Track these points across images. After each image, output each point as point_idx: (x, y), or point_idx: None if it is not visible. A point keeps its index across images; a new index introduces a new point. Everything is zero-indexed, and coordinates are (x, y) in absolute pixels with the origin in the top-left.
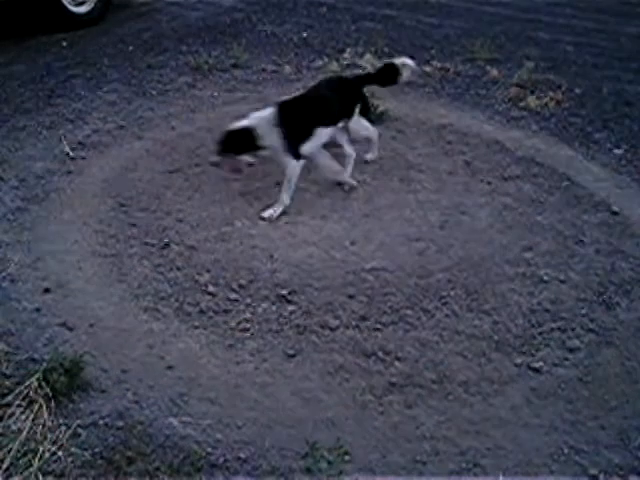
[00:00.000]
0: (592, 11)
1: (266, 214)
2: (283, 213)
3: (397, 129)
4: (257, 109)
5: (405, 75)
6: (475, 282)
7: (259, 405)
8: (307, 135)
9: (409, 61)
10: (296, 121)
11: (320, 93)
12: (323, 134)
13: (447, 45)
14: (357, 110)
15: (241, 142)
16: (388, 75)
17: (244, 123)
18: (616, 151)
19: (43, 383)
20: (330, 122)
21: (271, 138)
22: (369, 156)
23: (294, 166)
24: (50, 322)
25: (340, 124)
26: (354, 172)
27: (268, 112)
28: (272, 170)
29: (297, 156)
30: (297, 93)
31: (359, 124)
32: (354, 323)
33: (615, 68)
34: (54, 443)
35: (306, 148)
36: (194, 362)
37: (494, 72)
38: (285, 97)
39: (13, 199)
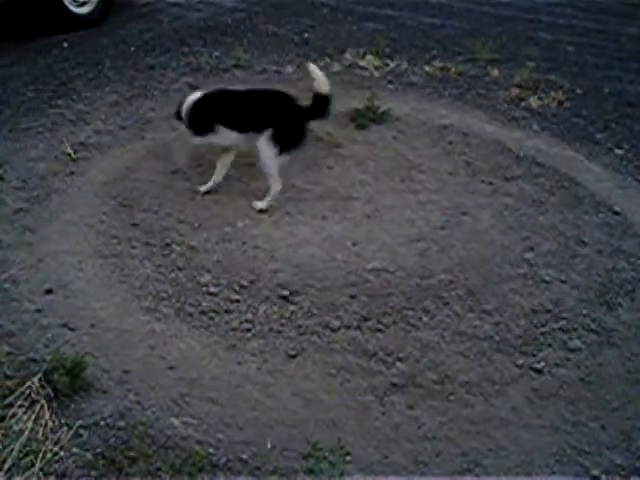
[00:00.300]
0: (593, 11)
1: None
2: (286, 214)
3: (398, 129)
4: None
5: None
6: (476, 282)
7: (260, 405)
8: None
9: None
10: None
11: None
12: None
13: (448, 45)
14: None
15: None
16: (322, 105)
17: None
18: (617, 151)
19: (45, 384)
20: (228, 125)
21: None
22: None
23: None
24: (52, 323)
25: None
26: (355, 172)
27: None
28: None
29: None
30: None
31: (262, 146)
32: (355, 323)
33: (616, 68)
34: (56, 443)
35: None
36: (195, 362)
37: (495, 72)
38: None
39: (15, 200)
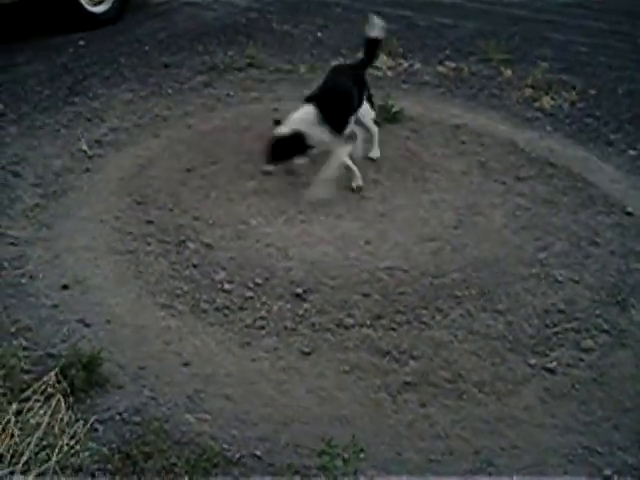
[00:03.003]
0: (606, 12)
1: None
2: (299, 212)
3: (412, 129)
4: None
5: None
6: (489, 282)
7: (274, 402)
8: (345, 125)
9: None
10: (336, 115)
11: (345, 85)
12: (352, 122)
13: (461, 45)
14: (365, 95)
15: (292, 147)
16: (372, 48)
17: (291, 127)
18: (631, 152)
19: (61, 378)
20: (356, 110)
21: (320, 136)
22: (372, 154)
23: (342, 150)
24: (68, 318)
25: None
26: (369, 171)
27: (307, 112)
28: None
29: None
30: (316, 87)
31: (366, 109)
32: (369, 322)
33: (629, 69)
34: (72, 438)
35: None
36: (210, 359)
37: (508, 73)
38: (310, 92)
39: (32, 196)
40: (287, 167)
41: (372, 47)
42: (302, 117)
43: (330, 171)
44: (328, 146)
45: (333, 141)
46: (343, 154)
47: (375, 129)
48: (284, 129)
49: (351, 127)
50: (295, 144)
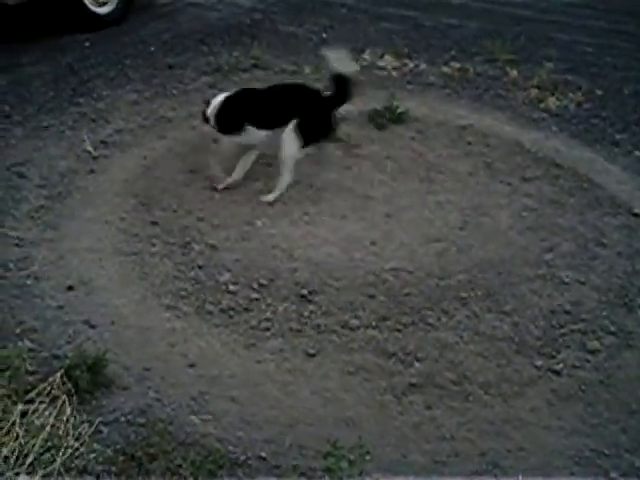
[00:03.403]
0: (611, 12)
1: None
2: (304, 213)
3: (417, 130)
4: None
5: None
6: (495, 283)
7: (280, 404)
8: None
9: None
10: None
11: (270, 92)
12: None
13: (466, 46)
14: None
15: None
16: (341, 86)
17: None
18: (637, 153)
19: (66, 380)
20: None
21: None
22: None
23: (226, 141)
24: (73, 319)
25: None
26: (374, 173)
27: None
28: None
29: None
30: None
31: (288, 138)
32: (374, 323)
33: (635, 69)
34: (77, 439)
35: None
36: (215, 360)
37: (514, 73)
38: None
39: (37, 197)
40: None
41: (341, 85)
42: (215, 100)
43: (287, 174)
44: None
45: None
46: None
47: (286, 167)
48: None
49: (249, 136)
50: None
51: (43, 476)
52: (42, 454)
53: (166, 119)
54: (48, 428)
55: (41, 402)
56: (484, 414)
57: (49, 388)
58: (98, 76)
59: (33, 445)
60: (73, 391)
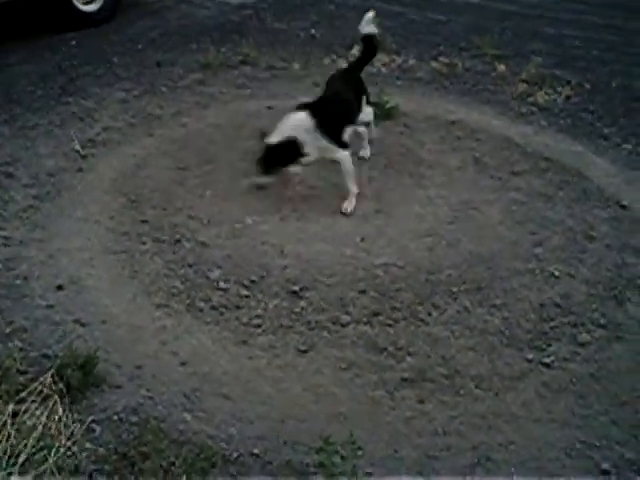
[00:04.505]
0: (599, 6)
1: (346, 209)
2: (295, 210)
3: (406, 125)
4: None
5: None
6: (485, 277)
7: (272, 400)
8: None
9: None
10: (331, 121)
11: (343, 95)
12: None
13: (455, 41)
14: (364, 99)
15: (287, 154)
16: (368, 45)
17: (284, 135)
18: (625, 146)
19: (57, 379)
20: (354, 116)
21: (315, 142)
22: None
23: (346, 155)
24: (63, 319)
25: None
26: (363, 168)
27: (301, 119)
28: None
29: (345, 145)
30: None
31: (365, 112)
32: (365, 319)
33: (623, 63)
34: (69, 438)
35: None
36: (207, 358)
37: (502, 68)
38: (306, 100)
39: (25, 197)
40: (282, 178)
41: (368, 44)
42: (296, 124)
43: (352, 184)
44: (324, 153)
45: (329, 148)
46: (348, 162)
47: (372, 129)
48: (277, 137)
49: (349, 133)
50: (290, 151)
51: (35, 476)
52: (34, 454)
53: (155, 117)
54: (40, 428)
55: (32, 402)
56: (475, 408)
57: (40, 388)
58: (86, 74)
59: (25, 445)
60: (64, 390)
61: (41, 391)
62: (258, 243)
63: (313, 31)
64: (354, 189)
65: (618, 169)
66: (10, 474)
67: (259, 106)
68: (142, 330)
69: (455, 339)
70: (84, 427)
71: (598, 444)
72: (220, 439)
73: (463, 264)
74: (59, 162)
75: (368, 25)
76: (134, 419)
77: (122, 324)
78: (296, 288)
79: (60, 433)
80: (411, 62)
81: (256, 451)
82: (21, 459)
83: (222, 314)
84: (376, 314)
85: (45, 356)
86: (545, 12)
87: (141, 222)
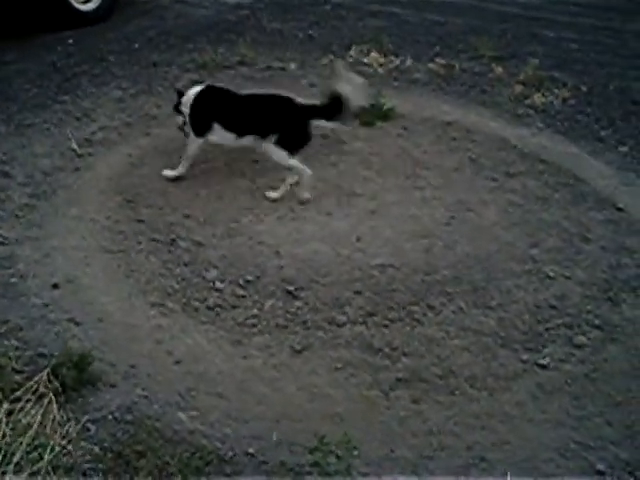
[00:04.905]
0: (597, 8)
1: None
2: (291, 210)
3: (403, 126)
4: None
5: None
6: (481, 278)
7: (267, 400)
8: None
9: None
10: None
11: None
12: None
13: (452, 42)
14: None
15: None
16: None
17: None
18: (621, 148)
19: (52, 378)
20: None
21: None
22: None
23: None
24: (59, 317)
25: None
26: (360, 169)
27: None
28: (278, 167)
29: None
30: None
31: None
32: (361, 319)
33: (620, 66)
34: (64, 437)
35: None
36: (202, 357)
37: (499, 69)
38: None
39: (21, 196)
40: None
41: (335, 104)
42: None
43: (302, 170)
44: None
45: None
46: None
47: (287, 168)
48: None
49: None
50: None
51: (30, 475)
52: (29, 453)
53: (151, 116)
54: (35, 427)
55: (27, 401)
56: (470, 408)
57: (35, 386)
58: (82, 73)
59: (20, 444)
60: (60, 389)
61: (36, 390)
62: (254, 243)
63: (310, 31)
64: (182, 169)
65: (614, 171)
66: (4, 473)
67: None
68: (137, 329)
69: (450, 340)
70: (79, 426)
71: (593, 445)
72: (215, 438)
73: (459, 265)
74: (55, 161)
75: (346, 80)
76: (129, 418)
77: (117, 323)
78: (292, 288)
79: (55, 432)
80: (408, 63)
81: (251, 451)
82: (16, 458)
83: (217, 314)
84: (371, 314)
85: (40, 355)
86: (543, 14)
87: (137, 221)
